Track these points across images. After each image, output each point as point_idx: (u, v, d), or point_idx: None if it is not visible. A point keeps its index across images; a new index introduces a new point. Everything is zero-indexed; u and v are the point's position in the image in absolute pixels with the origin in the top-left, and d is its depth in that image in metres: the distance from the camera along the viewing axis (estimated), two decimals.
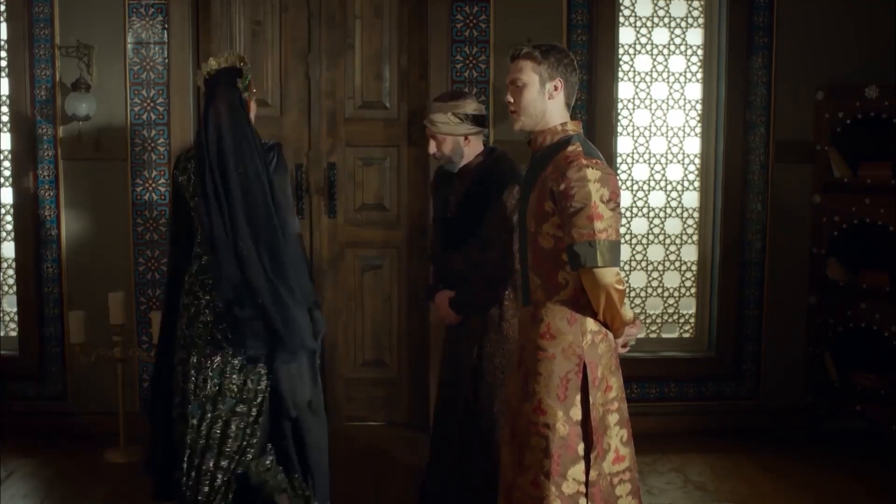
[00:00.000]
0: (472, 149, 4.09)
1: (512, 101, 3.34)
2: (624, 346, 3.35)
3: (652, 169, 5.74)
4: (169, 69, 5.35)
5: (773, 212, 5.61)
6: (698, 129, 5.73)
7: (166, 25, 5.33)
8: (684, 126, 5.73)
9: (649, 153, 5.73)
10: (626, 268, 5.79)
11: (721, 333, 5.70)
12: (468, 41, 5.41)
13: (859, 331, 5.51)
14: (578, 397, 3.20)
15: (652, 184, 5.74)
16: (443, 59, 5.40)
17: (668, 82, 5.70)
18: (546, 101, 3.29)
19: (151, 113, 5.37)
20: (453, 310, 4.09)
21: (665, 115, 5.71)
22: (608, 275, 3.10)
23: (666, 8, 5.65)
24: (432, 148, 4.10)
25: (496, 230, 3.96)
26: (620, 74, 5.61)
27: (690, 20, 5.67)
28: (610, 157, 5.47)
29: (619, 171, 5.64)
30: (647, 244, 5.80)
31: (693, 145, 5.75)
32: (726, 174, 5.59)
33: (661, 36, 5.68)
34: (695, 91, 5.72)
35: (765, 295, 5.67)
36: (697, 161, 5.75)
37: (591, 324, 3.22)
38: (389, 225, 5.65)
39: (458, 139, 4.06)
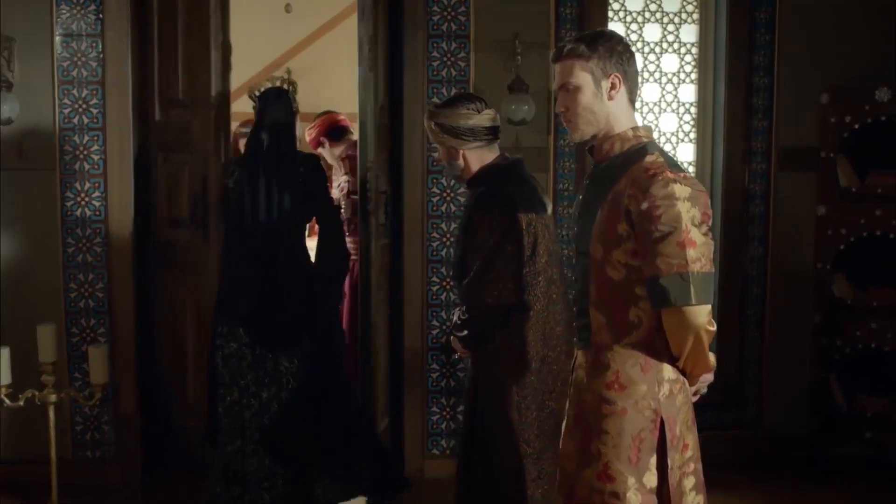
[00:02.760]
0: (473, 161, 3.55)
1: (565, 109, 2.79)
2: (695, 393, 2.83)
3: None
4: (104, 65, 4.64)
5: (776, 224, 5.16)
6: (692, 135, 5.27)
7: (101, 15, 4.63)
8: (677, 131, 5.25)
9: None
10: None
11: (721, 357, 5.13)
12: (446, 36, 4.84)
13: (868, 352, 5.10)
14: (653, 460, 2.65)
15: None
16: (418, 55, 4.82)
17: (660, 83, 5.22)
18: (606, 103, 2.74)
19: (84, 116, 4.66)
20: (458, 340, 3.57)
21: (657, 118, 5.23)
22: (701, 314, 2.56)
23: (658, 2, 5.16)
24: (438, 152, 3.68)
25: (472, 259, 3.44)
26: None
27: (684, 15, 5.20)
28: None
29: None
30: None
31: (687, 152, 5.28)
32: (725, 183, 5.12)
33: (652, 33, 5.19)
34: (688, 93, 5.25)
35: (766, 314, 5.21)
36: (692, 169, 5.28)
37: (668, 371, 2.68)
38: None
39: (448, 149, 3.56)
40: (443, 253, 4.92)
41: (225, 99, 4.79)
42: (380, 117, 4.90)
